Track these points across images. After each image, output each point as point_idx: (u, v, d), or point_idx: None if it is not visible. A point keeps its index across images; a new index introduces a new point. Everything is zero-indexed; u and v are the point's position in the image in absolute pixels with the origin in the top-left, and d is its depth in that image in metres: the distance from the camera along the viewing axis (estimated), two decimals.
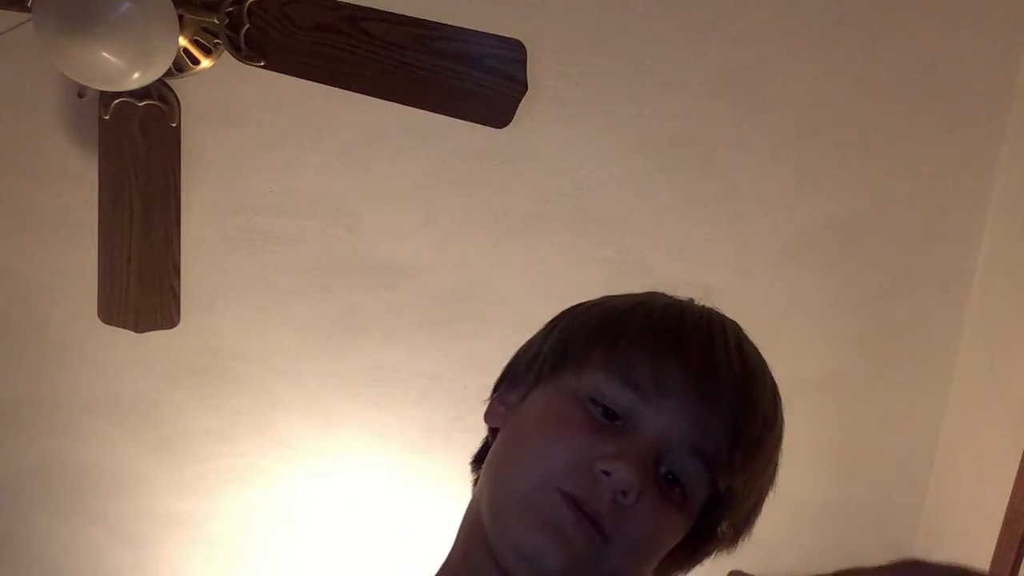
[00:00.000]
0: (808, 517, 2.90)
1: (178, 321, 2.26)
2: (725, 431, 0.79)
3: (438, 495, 2.87)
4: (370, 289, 2.55)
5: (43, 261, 2.53)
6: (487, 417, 0.88)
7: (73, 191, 2.34)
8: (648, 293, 0.88)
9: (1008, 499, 2.28)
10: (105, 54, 1.67)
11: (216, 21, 1.78)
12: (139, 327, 2.25)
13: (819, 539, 2.95)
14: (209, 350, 2.67)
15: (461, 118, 1.86)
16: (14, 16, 1.75)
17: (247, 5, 1.74)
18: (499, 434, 0.86)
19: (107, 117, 1.91)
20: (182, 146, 1.97)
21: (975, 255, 2.46)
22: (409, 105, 1.87)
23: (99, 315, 2.24)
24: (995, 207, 2.38)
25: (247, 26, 1.76)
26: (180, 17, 1.76)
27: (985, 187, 2.37)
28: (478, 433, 2.96)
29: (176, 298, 2.20)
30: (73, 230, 2.42)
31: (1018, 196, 2.31)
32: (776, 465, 0.86)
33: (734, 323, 0.86)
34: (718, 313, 0.86)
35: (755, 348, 0.86)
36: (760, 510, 0.87)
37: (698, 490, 0.80)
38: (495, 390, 0.89)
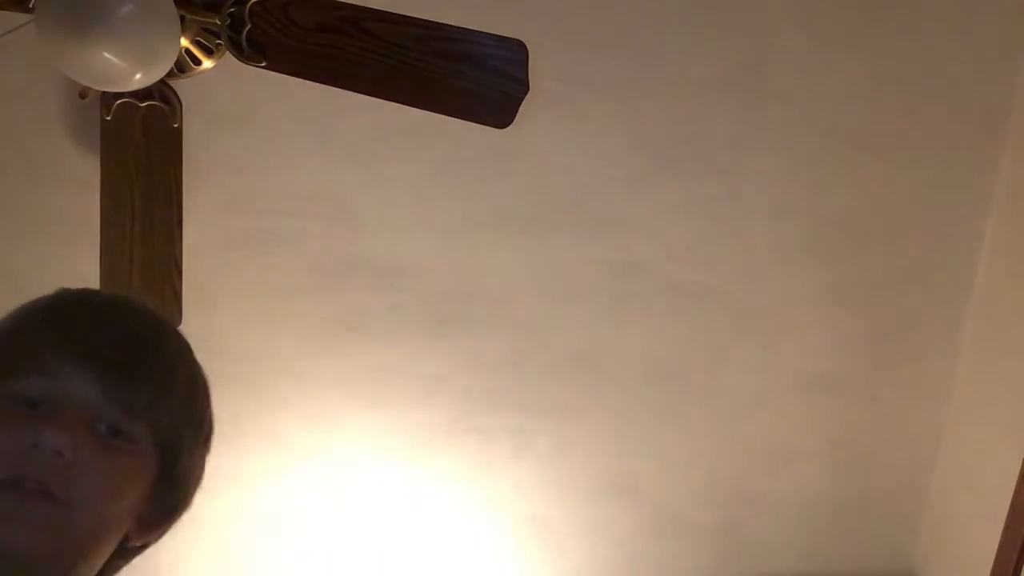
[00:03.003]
0: (808, 517, 2.90)
1: (180, 322, 2.26)
2: (113, 374, 0.90)
3: (440, 495, 2.87)
4: (371, 289, 2.56)
5: (45, 262, 2.53)
6: None
7: (75, 192, 2.34)
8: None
9: (1011, 499, 2.29)
10: (107, 55, 1.66)
11: (218, 22, 1.78)
12: None
13: (819, 539, 2.95)
14: (211, 351, 2.65)
15: (462, 118, 1.86)
16: (16, 17, 1.75)
17: (249, 6, 1.74)
18: None
19: (109, 118, 1.91)
20: (184, 147, 1.97)
21: (977, 254, 2.46)
22: (410, 105, 1.87)
23: None
24: (997, 206, 2.38)
25: (249, 27, 1.76)
26: (182, 18, 1.76)
27: (987, 186, 2.37)
28: (479, 434, 2.97)
29: (178, 299, 2.20)
30: (74, 231, 2.42)
31: (1020, 195, 2.31)
32: (185, 390, 0.99)
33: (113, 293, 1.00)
34: (93, 288, 1.02)
35: (129, 300, 1.02)
36: (196, 429, 0.98)
37: (137, 432, 0.90)
38: None
